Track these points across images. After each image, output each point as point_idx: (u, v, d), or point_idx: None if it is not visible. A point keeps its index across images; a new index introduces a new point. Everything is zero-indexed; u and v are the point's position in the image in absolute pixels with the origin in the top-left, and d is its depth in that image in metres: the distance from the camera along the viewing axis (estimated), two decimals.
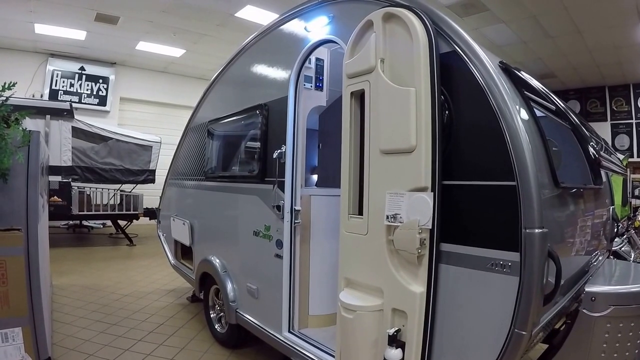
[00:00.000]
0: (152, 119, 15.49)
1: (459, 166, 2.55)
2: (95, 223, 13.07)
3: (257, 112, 4.23)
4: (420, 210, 2.49)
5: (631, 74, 13.65)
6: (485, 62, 2.45)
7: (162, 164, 10.84)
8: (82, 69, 14.09)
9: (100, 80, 14.42)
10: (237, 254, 4.64)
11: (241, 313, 4.44)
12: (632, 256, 6.62)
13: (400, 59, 2.70)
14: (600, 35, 10.51)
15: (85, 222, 12.77)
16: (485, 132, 2.45)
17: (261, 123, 4.15)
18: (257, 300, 4.20)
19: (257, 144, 4.23)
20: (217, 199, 5.09)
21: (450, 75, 2.60)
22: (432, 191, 2.49)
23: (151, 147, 12.11)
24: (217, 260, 4.91)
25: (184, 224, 5.78)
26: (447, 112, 2.60)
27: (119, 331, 5.19)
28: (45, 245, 5.05)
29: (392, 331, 2.60)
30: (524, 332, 2.23)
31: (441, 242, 2.55)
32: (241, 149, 4.79)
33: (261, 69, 4.45)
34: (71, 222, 12.39)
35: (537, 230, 2.21)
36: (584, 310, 2.89)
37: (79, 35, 12.11)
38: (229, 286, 4.62)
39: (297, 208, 3.75)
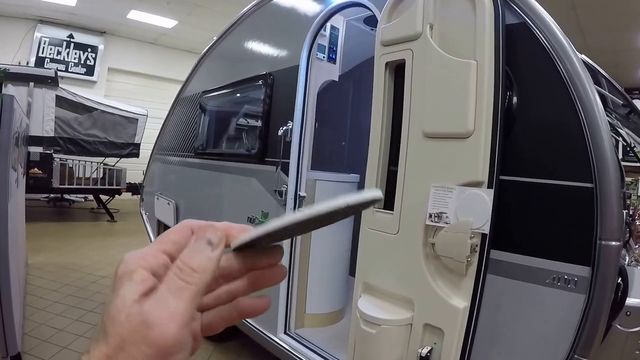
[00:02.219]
0: (139, 91, 14.75)
1: (520, 159, 2.04)
2: (76, 197, 12.43)
3: (260, 82, 3.64)
4: (474, 209, 1.96)
5: (624, 78, 13.35)
6: (562, 40, 1.93)
7: (147, 138, 10.26)
8: (70, 36, 13.29)
9: (89, 50, 13.64)
10: None
11: None
12: (627, 260, 6.29)
13: (455, 26, 2.16)
14: (602, 38, 10.18)
15: (66, 196, 12.12)
16: (557, 121, 1.95)
17: (264, 95, 3.56)
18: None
19: (258, 119, 3.66)
20: (207, 179, 4.50)
21: (516, 51, 2.07)
22: (489, 187, 1.96)
23: (137, 119, 11.42)
24: None
25: (168, 204, 5.17)
26: (509, 93, 2.07)
27: (95, 319, 4.63)
28: (19, 224, 4.57)
29: (425, 351, 2.10)
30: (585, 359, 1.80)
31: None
32: (238, 124, 4.21)
33: (267, 35, 3.86)
34: (52, 195, 11.72)
35: (613, 243, 1.75)
36: (617, 326, 2.43)
37: (70, 0, 11.37)
38: None
39: (302, 194, 3.19)
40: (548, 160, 1.95)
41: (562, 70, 1.89)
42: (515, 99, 2.08)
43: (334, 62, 3.67)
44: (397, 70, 2.44)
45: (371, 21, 4.07)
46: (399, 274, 2.28)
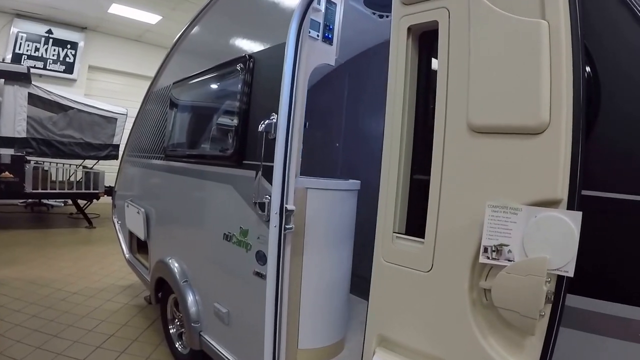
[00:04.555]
0: (122, 90, 14.01)
1: (610, 167, 1.42)
2: (55, 201, 11.73)
3: (238, 67, 2.91)
4: (552, 241, 1.30)
5: None
6: None
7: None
8: (49, 32, 12.61)
9: (69, 46, 12.94)
10: (202, 261, 3.35)
11: (207, 339, 3.19)
12: None
13: None
14: None
15: (44, 200, 11.41)
16: None
17: (243, 82, 2.84)
18: (227, 327, 2.95)
19: (235, 112, 2.95)
20: (178, 185, 3.78)
21: (592, 13, 1.44)
22: (570, 207, 1.30)
23: (116, 119, 10.71)
24: (177, 265, 3.60)
25: (138, 212, 4.45)
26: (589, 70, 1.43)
27: (59, 346, 4.01)
28: None
29: None
30: None
31: None
32: (212, 120, 3.48)
33: (250, 9, 3.15)
34: (29, 199, 11.04)
35: None
36: None
37: None
38: (190, 300, 3.34)
39: (289, 207, 2.45)
40: None
41: None
42: (597, 79, 1.44)
43: (331, 43, 2.91)
44: (422, 38, 1.74)
45: (373, 3, 3.42)
46: (431, 327, 1.60)
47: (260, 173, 2.50)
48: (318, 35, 2.76)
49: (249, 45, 2.94)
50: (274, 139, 2.40)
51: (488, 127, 1.44)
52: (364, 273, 3.31)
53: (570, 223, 1.27)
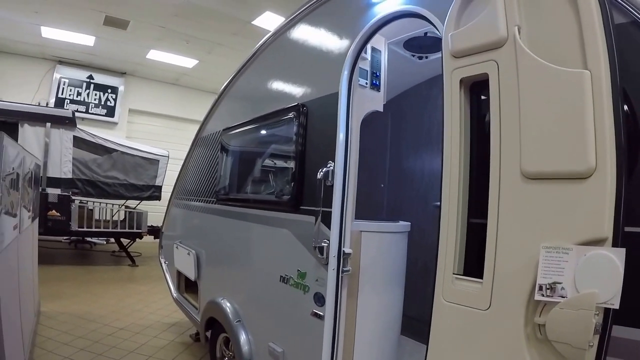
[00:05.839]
0: (161, 132, 14.52)
1: None
2: (98, 239, 12.06)
3: (291, 115, 3.09)
4: (599, 277, 1.42)
5: None
6: None
7: (169, 180, 9.89)
8: (90, 77, 13.19)
9: (109, 90, 13.49)
10: (256, 301, 3.48)
11: None
12: None
13: (548, 27, 1.63)
14: None
15: (87, 238, 11.74)
16: None
17: (297, 130, 3.01)
18: None
19: (290, 159, 3.11)
20: (231, 228, 3.93)
21: (628, 58, 1.56)
22: (615, 244, 1.42)
23: (158, 161, 11.12)
24: (229, 305, 3.74)
25: (188, 254, 4.63)
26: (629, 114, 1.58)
27: None
28: (27, 271, 4.19)
29: None
30: None
31: None
32: (265, 166, 3.67)
33: (298, 60, 3.33)
34: (73, 237, 11.32)
35: None
36: None
37: (88, 40, 11.20)
38: (243, 339, 3.46)
39: (347, 251, 2.58)
40: None
41: None
42: (635, 120, 1.60)
43: (378, 90, 3.08)
44: (473, 87, 1.90)
45: (412, 45, 3.57)
46: None
47: (319, 219, 2.65)
48: (366, 83, 2.94)
49: (301, 94, 3.12)
50: (331, 185, 2.56)
51: (540, 173, 1.57)
52: (408, 312, 3.41)
53: (616, 259, 1.39)
